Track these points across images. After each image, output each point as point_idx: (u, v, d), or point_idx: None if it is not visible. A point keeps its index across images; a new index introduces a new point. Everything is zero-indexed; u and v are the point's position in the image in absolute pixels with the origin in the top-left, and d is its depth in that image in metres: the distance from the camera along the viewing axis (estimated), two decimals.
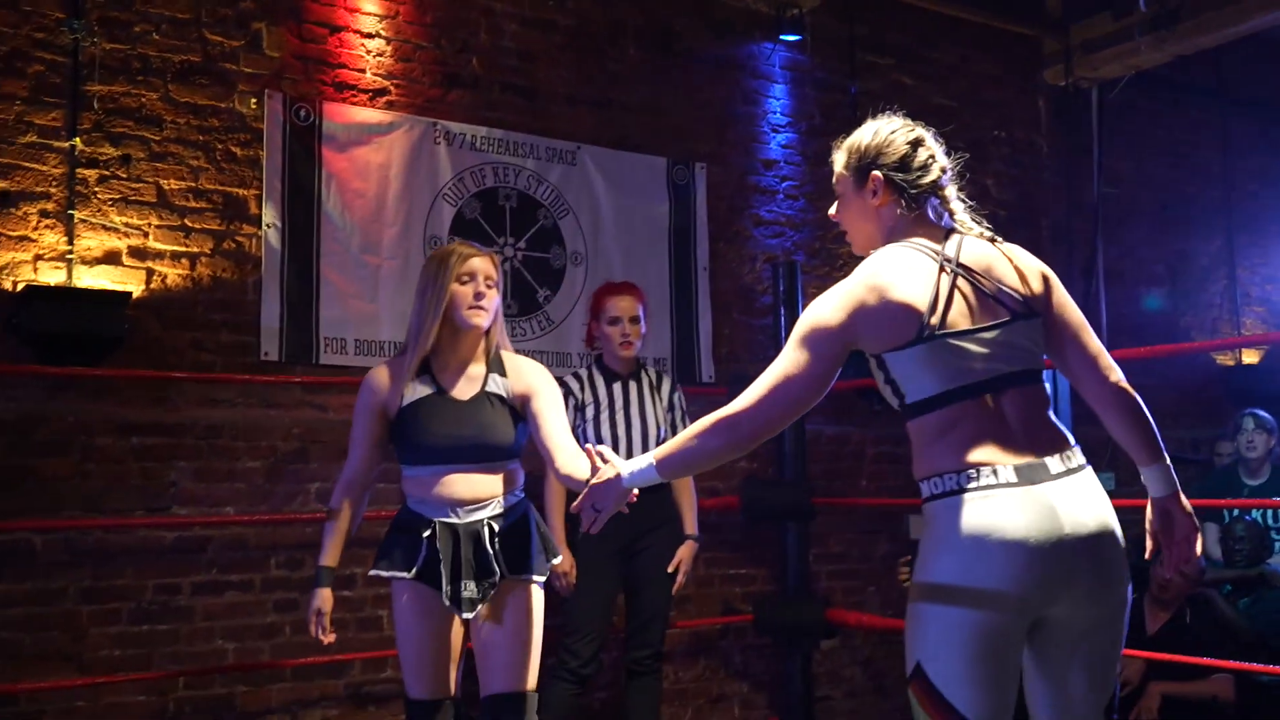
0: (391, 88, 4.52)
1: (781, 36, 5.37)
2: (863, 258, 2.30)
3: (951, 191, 2.29)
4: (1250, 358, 6.83)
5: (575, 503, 2.38)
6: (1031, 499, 2.03)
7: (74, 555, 3.80)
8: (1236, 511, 5.20)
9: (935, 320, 2.09)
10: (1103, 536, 2.08)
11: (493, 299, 2.90)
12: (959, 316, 2.12)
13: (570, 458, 2.77)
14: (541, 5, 4.87)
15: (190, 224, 4.09)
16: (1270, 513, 5.23)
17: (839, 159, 2.34)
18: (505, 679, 2.88)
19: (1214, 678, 4.23)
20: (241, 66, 4.22)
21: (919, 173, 2.24)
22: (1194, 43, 5.93)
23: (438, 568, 2.82)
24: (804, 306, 5.02)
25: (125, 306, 3.83)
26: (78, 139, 3.89)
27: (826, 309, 2.16)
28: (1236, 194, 7.12)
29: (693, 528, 4.05)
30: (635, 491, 2.33)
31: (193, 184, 4.10)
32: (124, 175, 3.98)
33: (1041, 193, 6.33)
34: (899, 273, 2.14)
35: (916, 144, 2.26)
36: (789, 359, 2.17)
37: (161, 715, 3.89)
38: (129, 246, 3.98)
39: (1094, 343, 2.27)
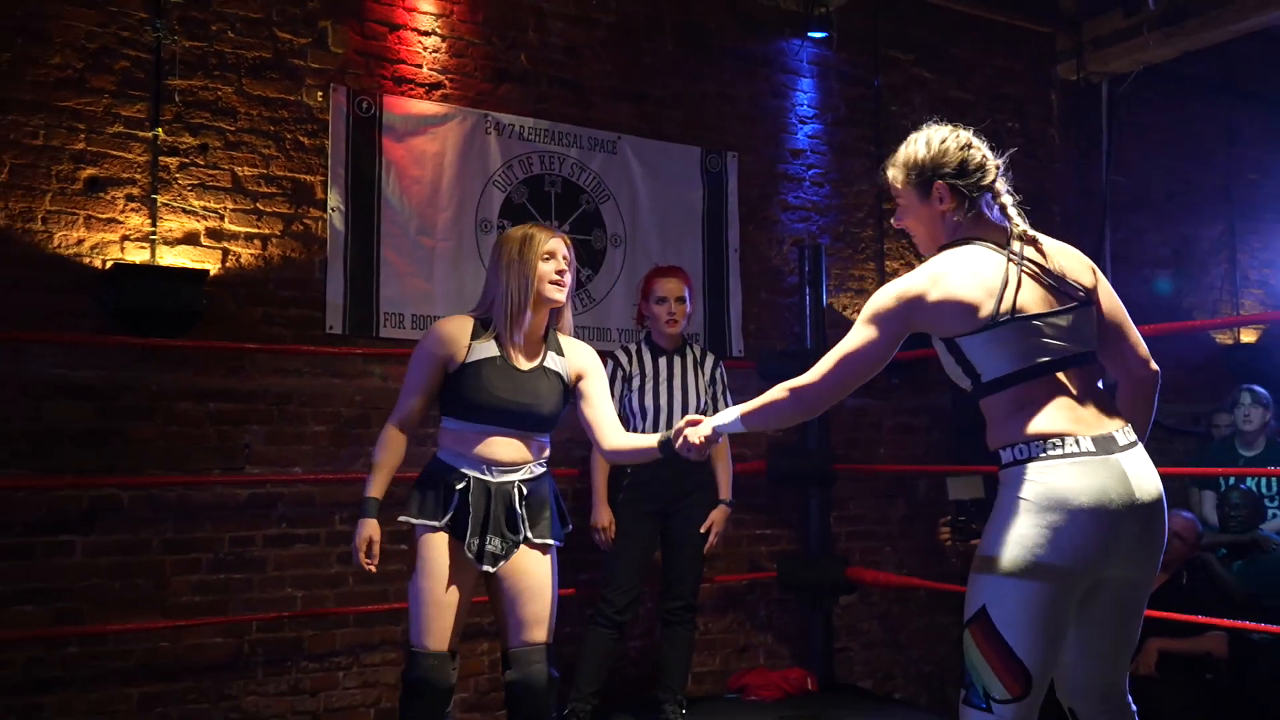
0: (446, 82, 4.54)
1: (809, 33, 5.34)
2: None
3: (1003, 185, 2.30)
4: (1248, 336, 6.75)
5: (677, 442, 2.58)
6: (1109, 467, 2.07)
7: (157, 510, 3.87)
8: (1232, 480, 5.17)
9: (1006, 306, 2.13)
10: (1161, 504, 2.14)
11: (569, 278, 2.91)
12: (1029, 302, 2.15)
13: (615, 433, 2.89)
14: (585, 3, 4.87)
15: (262, 208, 4.14)
16: (1264, 481, 5.19)
17: (897, 175, 2.34)
18: (534, 630, 2.90)
19: (1208, 635, 4.23)
20: (309, 62, 4.26)
21: (978, 175, 2.27)
22: (1201, 39, 5.85)
23: (466, 520, 2.80)
24: (828, 286, 5.07)
25: (203, 283, 3.88)
26: (160, 129, 3.94)
27: (888, 297, 2.21)
28: (1238, 183, 7.02)
29: (726, 493, 4.08)
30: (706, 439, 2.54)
31: (264, 171, 4.15)
32: (202, 163, 4.03)
33: (1053, 181, 6.27)
34: (965, 266, 2.18)
35: (968, 148, 2.29)
36: (853, 339, 2.24)
37: (237, 656, 3.97)
38: (206, 228, 4.03)
39: (1135, 332, 2.33)
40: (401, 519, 2.88)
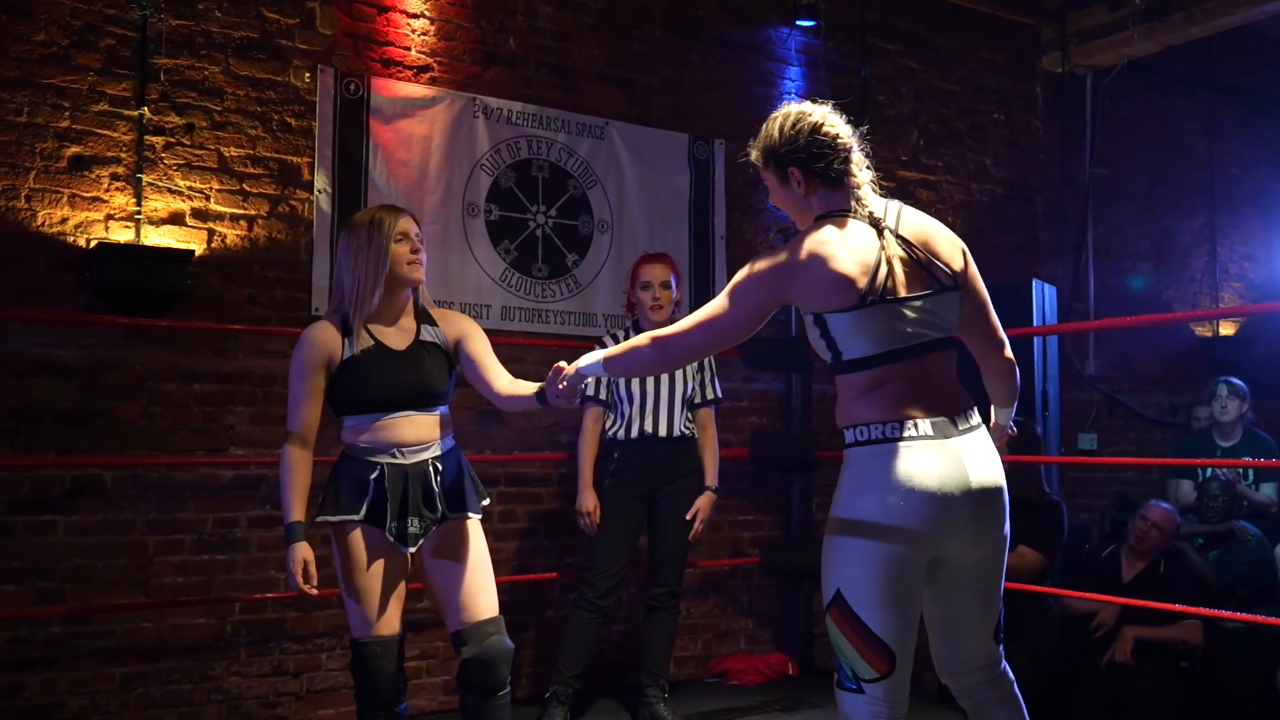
0: (434, 65, 4.51)
1: (797, 22, 5.32)
2: None
3: (859, 159, 2.26)
4: (1227, 329, 6.80)
5: (544, 386, 2.61)
6: (945, 451, 2.12)
7: (141, 490, 3.84)
8: (1210, 471, 5.20)
9: (877, 286, 2.14)
10: (998, 489, 2.20)
11: (422, 255, 2.88)
12: (897, 284, 2.16)
13: (508, 380, 2.86)
14: None
15: (248, 188, 4.10)
16: (1241, 472, 5.22)
17: (757, 158, 2.32)
18: (479, 606, 2.83)
19: (1184, 623, 4.25)
20: (296, 43, 4.21)
21: (829, 157, 2.21)
22: (1184, 33, 5.88)
23: (385, 507, 2.76)
24: None
25: (188, 264, 3.85)
26: (146, 108, 3.89)
27: (762, 267, 2.23)
28: (1219, 176, 7.06)
29: (713, 480, 4.07)
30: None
31: (251, 151, 4.11)
32: (188, 143, 3.99)
33: (1036, 172, 6.28)
34: (841, 242, 2.16)
35: (817, 131, 2.22)
36: (719, 304, 2.27)
37: (220, 636, 3.95)
38: (192, 208, 3.99)
39: (995, 320, 2.38)
40: (320, 519, 2.80)
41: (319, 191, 4.21)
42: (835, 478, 2.26)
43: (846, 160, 2.23)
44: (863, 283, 2.12)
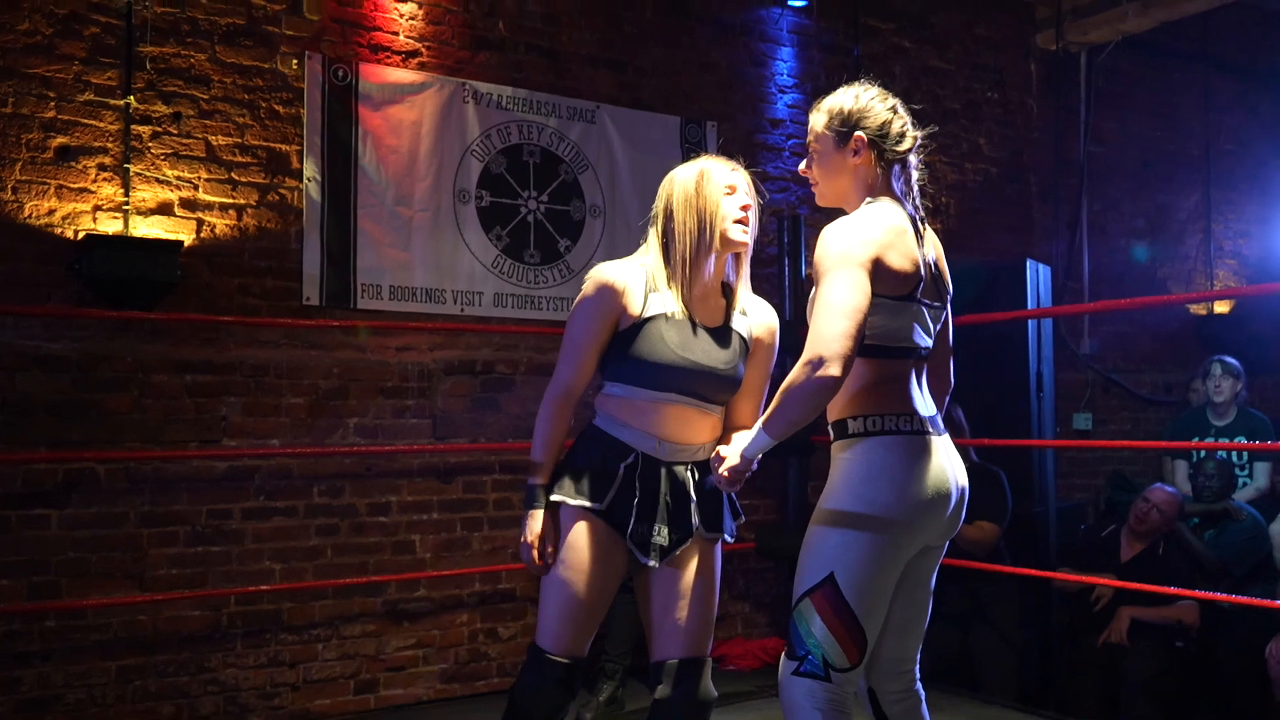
0: (423, 50, 4.49)
1: (789, 2, 5.31)
2: (828, 210, 2.33)
3: (914, 161, 2.30)
4: (1221, 308, 6.82)
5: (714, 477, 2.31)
6: (942, 447, 2.19)
7: (134, 483, 3.85)
8: (1204, 451, 5.23)
9: (919, 283, 2.19)
10: (965, 487, 2.26)
11: (754, 216, 2.43)
12: (927, 287, 2.22)
13: (745, 428, 2.45)
14: None
15: (237, 177, 4.09)
16: (1236, 452, 5.25)
17: (818, 119, 2.33)
18: (692, 643, 2.42)
19: (1180, 604, 4.29)
20: (283, 29, 4.19)
21: (897, 140, 2.25)
22: (1179, 9, 5.86)
23: (630, 504, 2.35)
24: (806, 257, 5.06)
25: (178, 254, 3.85)
26: (132, 97, 3.87)
27: (855, 239, 2.09)
28: (1214, 153, 7.06)
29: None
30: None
31: (239, 140, 4.09)
32: (175, 131, 3.98)
33: (1031, 150, 6.28)
34: (903, 228, 2.18)
35: (894, 111, 2.28)
36: (833, 281, 2.05)
37: (215, 628, 3.96)
38: (180, 198, 3.98)
39: (950, 349, 2.45)
40: (555, 498, 2.39)
41: (308, 180, 4.19)
42: (830, 462, 2.27)
43: (907, 154, 2.27)
44: (914, 279, 2.16)
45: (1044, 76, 6.33)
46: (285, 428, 4.11)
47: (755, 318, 2.51)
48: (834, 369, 2.00)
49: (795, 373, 2.05)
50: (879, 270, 2.10)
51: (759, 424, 2.19)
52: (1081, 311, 6.30)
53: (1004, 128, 6.18)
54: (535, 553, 2.36)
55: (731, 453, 2.28)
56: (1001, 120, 6.17)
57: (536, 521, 2.37)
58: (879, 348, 2.18)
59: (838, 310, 2.03)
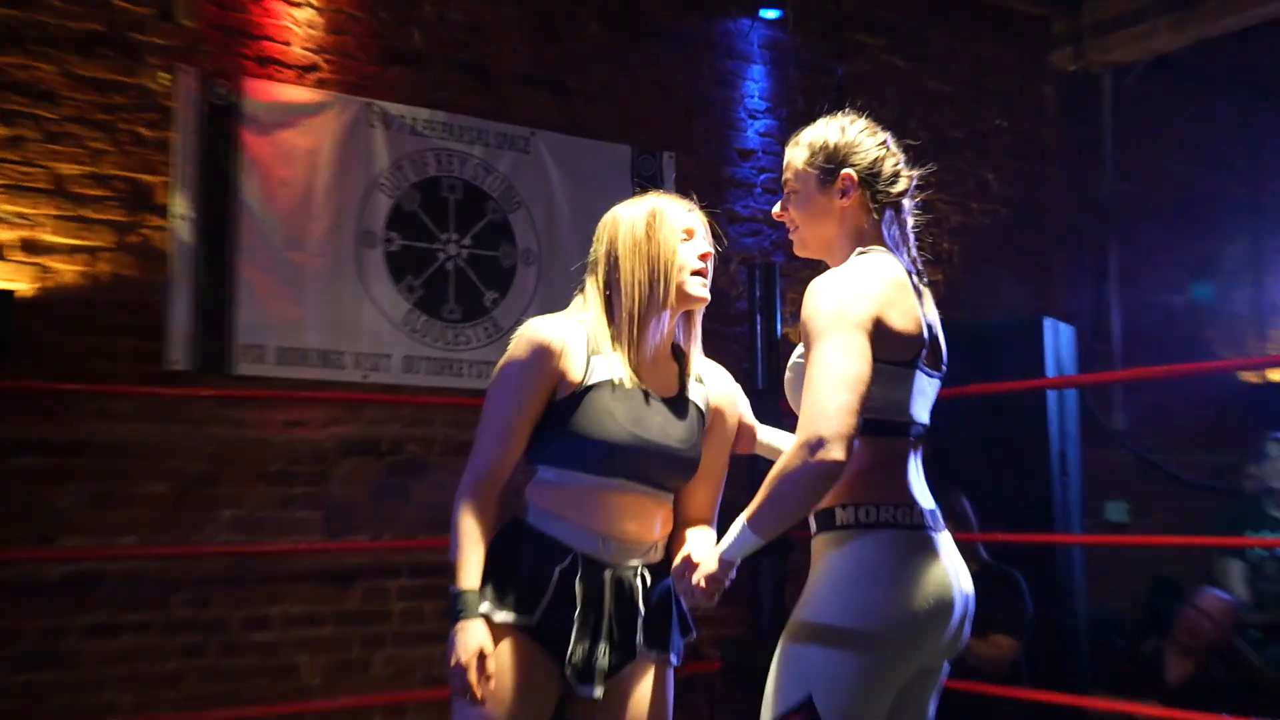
0: (322, 63, 4.48)
1: (760, 12, 5.38)
2: (807, 259, 2.31)
3: (908, 206, 2.29)
4: (1277, 375, 6.86)
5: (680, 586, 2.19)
6: (946, 547, 2.15)
7: None
8: (1264, 549, 5.21)
9: (922, 348, 2.16)
10: (972, 595, 2.20)
11: (710, 266, 2.40)
12: (930, 353, 2.20)
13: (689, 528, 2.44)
14: None
15: (89, 214, 4.05)
16: None
17: (798, 155, 2.31)
18: None
19: None
20: (151, 37, 4.18)
21: (890, 180, 2.24)
22: (1218, 24, 5.95)
23: (568, 618, 2.25)
24: (783, 313, 5.03)
25: (9, 307, 3.79)
26: None
27: (851, 294, 2.06)
28: (1264, 193, 7.17)
29: None
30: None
31: (93, 169, 4.06)
32: (14, 159, 3.94)
33: (1047, 189, 6.35)
34: (907, 284, 2.16)
35: (885, 147, 2.27)
36: (826, 349, 2.01)
37: None
38: (20, 239, 3.93)
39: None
40: (481, 610, 2.26)
41: (178, 218, 4.16)
42: (809, 561, 2.19)
43: (903, 194, 2.26)
44: (918, 340, 2.13)
45: (1061, 102, 6.41)
46: (141, 522, 4.03)
47: (713, 386, 2.47)
48: (836, 451, 1.94)
49: (789, 456, 1.98)
50: (879, 332, 2.07)
51: (741, 520, 2.07)
52: (1112, 380, 6.32)
53: (1015, 161, 6.24)
54: (473, 675, 2.19)
55: (706, 557, 2.13)
56: (1012, 152, 6.23)
57: (471, 636, 2.21)
58: (875, 422, 2.12)
59: (837, 381, 1.98)
